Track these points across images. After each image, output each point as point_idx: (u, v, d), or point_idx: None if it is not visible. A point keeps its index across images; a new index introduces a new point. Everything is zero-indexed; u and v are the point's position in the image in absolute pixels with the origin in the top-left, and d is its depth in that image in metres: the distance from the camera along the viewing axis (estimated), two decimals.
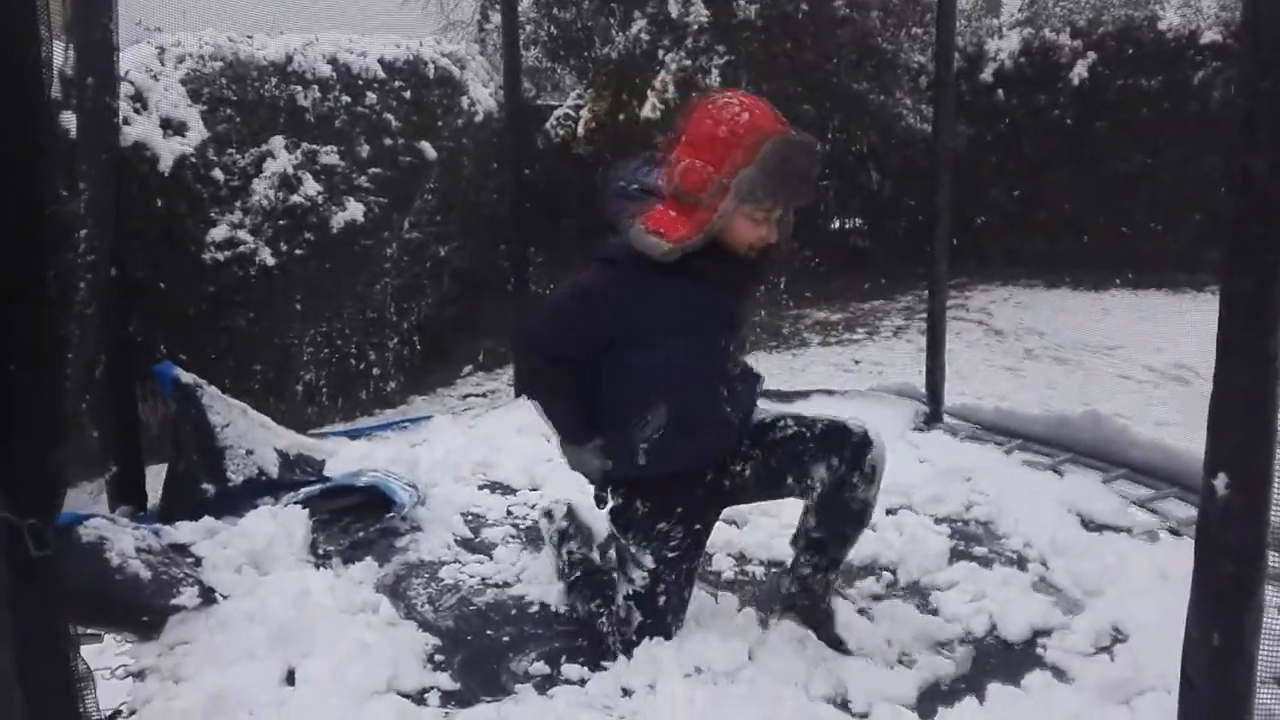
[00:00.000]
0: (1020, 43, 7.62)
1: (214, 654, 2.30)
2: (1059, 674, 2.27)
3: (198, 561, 2.68)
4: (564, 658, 2.38)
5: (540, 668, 2.36)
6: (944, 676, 2.28)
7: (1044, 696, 2.18)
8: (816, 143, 2.27)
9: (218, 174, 4.52)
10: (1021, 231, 7.64)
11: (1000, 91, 7.58)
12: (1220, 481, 1.40)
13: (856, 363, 5.91)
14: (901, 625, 2.45)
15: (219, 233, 4.48)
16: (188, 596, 2.44)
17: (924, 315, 4.23)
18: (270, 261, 4.62)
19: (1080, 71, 7.32)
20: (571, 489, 3.21)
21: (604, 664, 2.34)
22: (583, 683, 2.28)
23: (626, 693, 2.22)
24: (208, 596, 2.49)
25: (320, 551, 2.84)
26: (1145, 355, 5.74)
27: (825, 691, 2.20)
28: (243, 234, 4.56)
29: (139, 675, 2.28)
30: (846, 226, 7.89)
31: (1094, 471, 3.37)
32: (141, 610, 2.40)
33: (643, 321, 2.26)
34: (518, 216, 4.32)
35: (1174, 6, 7.53)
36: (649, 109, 6.69)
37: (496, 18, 6.51)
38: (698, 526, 2.43)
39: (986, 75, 7.60)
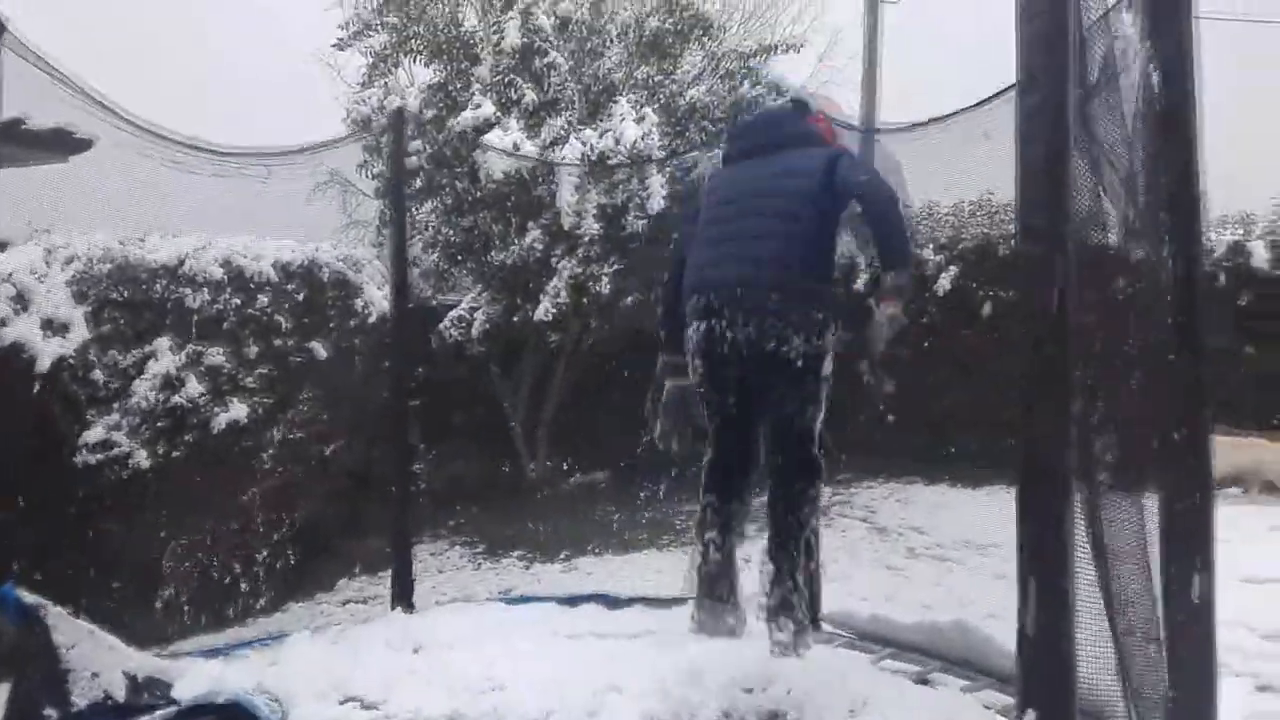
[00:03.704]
0: None
1: None
2: None
3: None
4: None
5: None
6: None
7: None
8: None
9: (98, 374, 4.49)
10: (901, 428, 7.93)
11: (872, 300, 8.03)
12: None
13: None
14: None
15: (93, 434, 4.40)
16: None
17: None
18: (145, 464, 4.53)
19: (944, 283, 7.87)
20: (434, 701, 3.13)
21: None
22: None
23: None
24: None
25: None
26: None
27: None
28: (119, 435, 4.48)
29: None
30: None
31: (962, 680, 3.43)
32: None
33: None
34: (400, 415, 4.33)
35: None
36: (542, 312, 6.90)
37: None
38: None
39: (858, 285, 8.08)
